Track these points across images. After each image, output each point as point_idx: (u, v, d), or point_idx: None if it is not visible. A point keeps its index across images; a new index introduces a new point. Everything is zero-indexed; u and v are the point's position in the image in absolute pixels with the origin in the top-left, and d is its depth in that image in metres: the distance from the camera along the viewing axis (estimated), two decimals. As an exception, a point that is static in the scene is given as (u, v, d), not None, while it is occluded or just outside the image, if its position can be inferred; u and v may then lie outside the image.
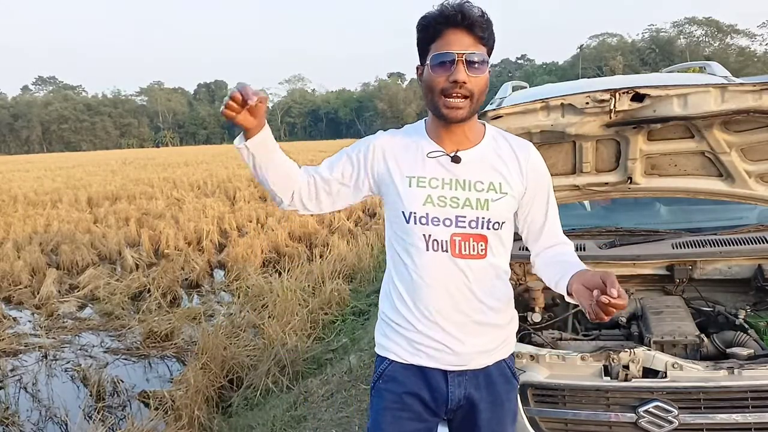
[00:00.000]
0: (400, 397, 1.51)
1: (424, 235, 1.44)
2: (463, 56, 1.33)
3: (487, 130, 1.52)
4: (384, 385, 1.54)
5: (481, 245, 1.45)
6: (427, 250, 1.44)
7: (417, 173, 1.45)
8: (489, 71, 1.41)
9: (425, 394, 1.51)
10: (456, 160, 1.45)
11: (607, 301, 1.19)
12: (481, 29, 1.34)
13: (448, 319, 1.46)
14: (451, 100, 1.36)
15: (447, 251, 1.44)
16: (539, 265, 1.58)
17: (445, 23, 1.35)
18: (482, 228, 1.45)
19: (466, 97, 1.36)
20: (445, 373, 1.50)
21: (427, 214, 1.43)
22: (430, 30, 1.38)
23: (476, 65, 1.35)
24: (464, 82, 1.34)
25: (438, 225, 1.43)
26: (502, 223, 1.48)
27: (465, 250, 1.44)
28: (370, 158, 1.50)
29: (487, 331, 1.50)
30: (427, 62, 1.39)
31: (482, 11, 1.36)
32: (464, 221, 1.44)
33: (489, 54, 1.40)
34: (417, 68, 1.47)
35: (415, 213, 1.44)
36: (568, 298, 1.42)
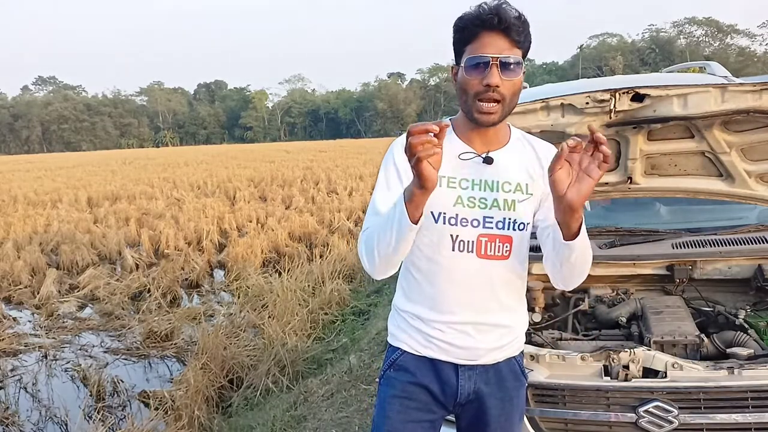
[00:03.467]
0: (410, 387, 1.53)
1: (451, 235, 1.45)
2: (498, 60, 1.32)
3: (512, 131, 1.52)
4: (394, 374, 1.56)
5: (506, 246, 1.46)
6: (453, 249, 1.45)
7: (447, 173, 1.44)
8: (523, 72, 1.40)
9: (435, 387, 1.53)
10: (488, 161, 1.45)
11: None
12: (517, 32, 1.33)
13: (465, 318, 1.47)
14: (483, 104, 1.35)
15: (472, 251, 1.44)
16: (545, 261, 1.50)
17: (481, 25, 1.34)
18: (508, 229, 1.45)
19: (498, 102, 1.35)
20: (456, 366, 1.51)
21: (456, 214, 1.44)
22: (465, 32, 1.37)
23: (510, 68, 1.34)
24: (497, 86, 1.33)
25: (466, 226, 1.44)
26: (527, 224, 1.49)
27: (490, 251, 1.45)
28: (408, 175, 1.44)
29: (501, 330, 1.51)
30: (462, 64, 1.38)
31: (519, 13, 1.34)
32: (491, 222, 1.44)
33: (524, 56, 1.39)
34: (452, 68, 1.46)
35: (444, 213, 1.44)
36: (568, 241, 1.32)
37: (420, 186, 1.23)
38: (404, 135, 1.48)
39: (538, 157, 1.50)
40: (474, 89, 1.36)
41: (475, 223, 1.44)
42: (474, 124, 1.42)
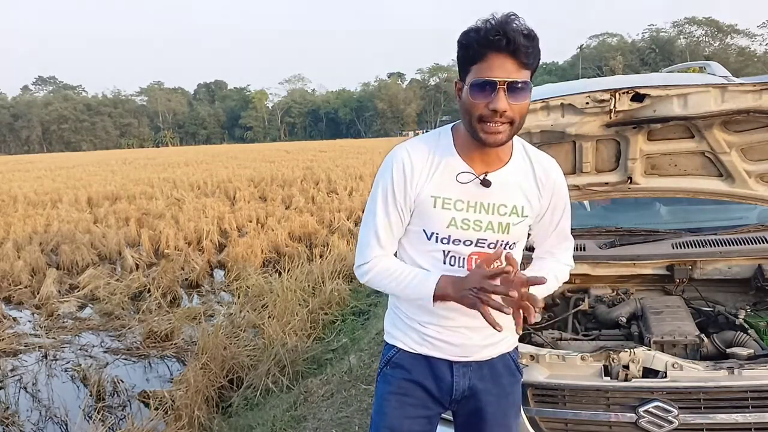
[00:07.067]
0: (405, 384, 1.55)
1: (443, 251, 1.46)
2: (505, 84, 1.26)
3: (515, 145, 1.47)
4: (390, 371, 1.58)
5: (496, 264, 1.45)
6: (444, 263, 1.46)
7: (443, 194, 1.42)
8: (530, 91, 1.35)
9: (430, 384, 1.54)
10: (486, 184, 1.41)
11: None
12: (525, 55, 1.26)
13: (459, 322, 1.49)
14: (490, 124, 1.30)
15: (463, 267, 1.46)
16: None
17: (487, 46, 1.26)
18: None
19: (504, 123, 1.31)
20: (450, 363, 1.53)
21: (449, 236, 1.44)
22: (471, 50, 1.29)
23: (518, 91, 1.28)
24: (504, 111, 1.28)
25: (459, 245, 1.45)
26: (518, 242, 1.51)
27: None
28: (411, 195, 1.44)
29: (493, 331, 1.50)
30: (467, 85, 1.32)
31: (528, 31, 1.26)
32: (484, 243, 1.45)
33: (533, 73, 1.32)
34: (456, 83, 1.39)
35: (437, 234, 1.45)
36: None
37: (460, 303, 1.36)
38: (402, 145, 1.50)
39: (536, 176, 1.47)
40: (479, 112, 1.30)
41: (468, 243, 1.45)
42: (479, 144, 1.36)
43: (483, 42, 1.26)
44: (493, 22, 1.26)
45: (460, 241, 1.44)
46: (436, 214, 1.43)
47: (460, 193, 1.43)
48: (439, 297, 1.40)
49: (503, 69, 1.26)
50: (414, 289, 1.44)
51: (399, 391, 1.56)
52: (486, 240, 1.44)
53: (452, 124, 1.50)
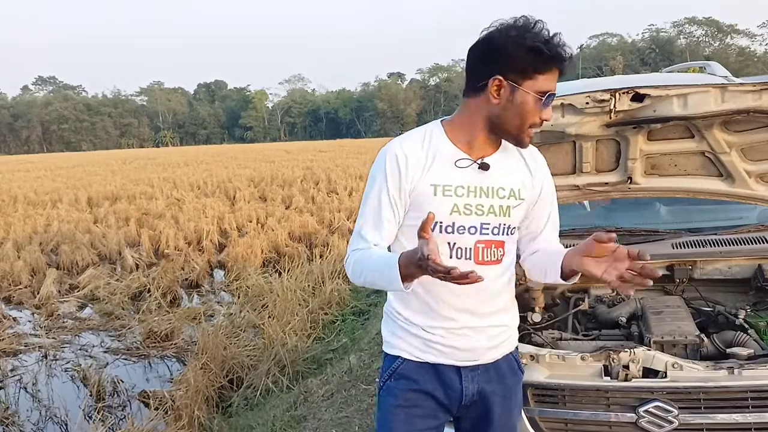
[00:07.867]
0: (413, 395, 1.51)
1: (448, 243, 1.43)
2: (554, 97, 1.40)
3: None
4: (395, 383, 1.53)
5: (500, 251, 1.47)
6: (451, 257, 1.43)
7: (442, 181, 1.42)
8: None
9: (439, 392, 1.51)
10: (484, 167, 1.43)
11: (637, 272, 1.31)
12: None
13: (463, 323, 1.47)
14: (532, 131, 1.42)
15: (470, 258, 1.44)
16: (528, 261, 1.61)
17: (558, 61, 1.36)
18: (503, 234, 1.47)
19: None
20: (458, 368, 1.50)
21: (453, 223, 1.42)
22: (542, 57, 1.33)
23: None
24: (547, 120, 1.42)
25: (463, 233, 1.43)
26: (517, 227, 1.52)
27: (486, 257, 1.45)
28: (406, 187, 1.43)
29: (499, 329, 1.53)
30: (524, 88, 1.35)
31: None
32: (488, 228, 1.45)
33: None
34: (497, 79, 1.36)
35: (441, 222, 1.41)
36: (563, 281, 1.46)
37: (424, 273, 1.22)
38: (394, 139, 1.48)
39: (526, 162, 1.52)
40: (533, 119, 1.39)
41: (473, 230, 1.43)
42: (513, 144, 1.46)
43: (557, 57, 1.35)
44: (561, 45, 1.34)
45: (464, 228, 1.42)
46: (437, 202, 1.41)
47: (459, 179, 1.43)
48: (407, 277, 1.28)
49: (555, 83, 1.40)
50: (386, 275, 1.31)
51: (406, 403, 1.51)
52: (489, 224, 1.44)
53: (440, 119, 1.51)
